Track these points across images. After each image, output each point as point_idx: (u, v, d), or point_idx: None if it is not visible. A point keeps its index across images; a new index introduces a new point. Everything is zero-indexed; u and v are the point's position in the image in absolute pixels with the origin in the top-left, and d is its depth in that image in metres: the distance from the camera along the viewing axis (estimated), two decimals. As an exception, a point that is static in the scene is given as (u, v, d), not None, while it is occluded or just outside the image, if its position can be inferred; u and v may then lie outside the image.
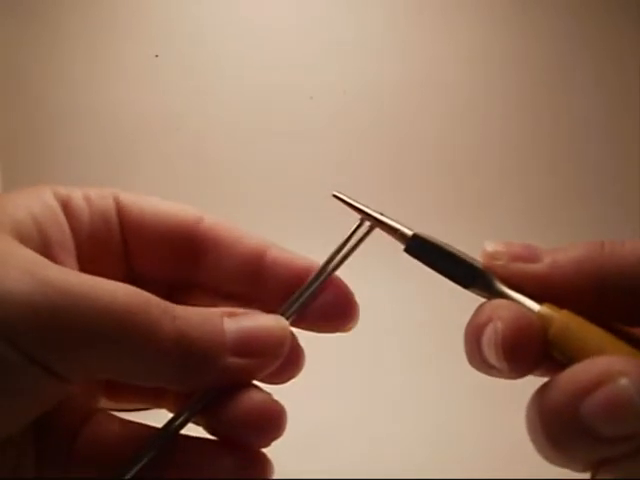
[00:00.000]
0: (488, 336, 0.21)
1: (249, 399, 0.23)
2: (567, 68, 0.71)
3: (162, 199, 0.27)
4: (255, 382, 0.24)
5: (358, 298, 0.27)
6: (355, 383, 0.60)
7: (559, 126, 0.72)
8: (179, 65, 0.71)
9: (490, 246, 0.23)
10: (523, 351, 0.21)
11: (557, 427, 0.19)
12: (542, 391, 0.20)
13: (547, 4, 0.70)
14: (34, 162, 0.72)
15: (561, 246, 0.23)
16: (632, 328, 0.22)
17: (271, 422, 0.23)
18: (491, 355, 0.21)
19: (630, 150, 0.71)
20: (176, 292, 0.27)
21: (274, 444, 0.23)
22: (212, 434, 0.23)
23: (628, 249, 0.21)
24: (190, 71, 0.71)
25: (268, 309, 0.26)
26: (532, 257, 0.22)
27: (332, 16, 0.71)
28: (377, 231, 0.26)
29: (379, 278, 0.25)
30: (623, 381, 0.18)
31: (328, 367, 0.61)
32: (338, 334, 0.27)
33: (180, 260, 0.27)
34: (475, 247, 0.25)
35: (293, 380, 0.27)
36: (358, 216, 0.26)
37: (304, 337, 0.27)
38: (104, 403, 0.27)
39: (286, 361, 0.24)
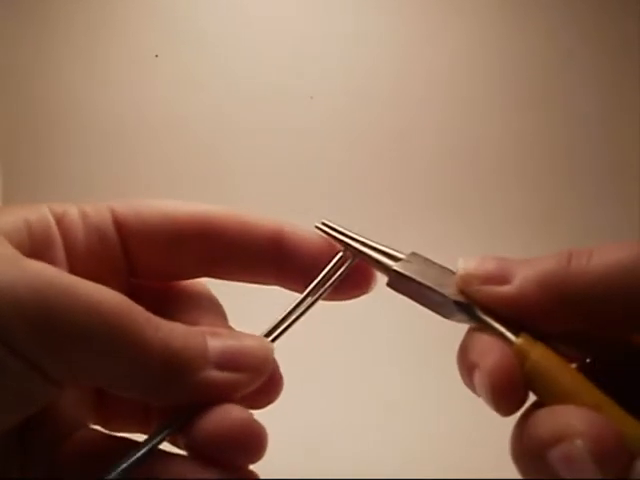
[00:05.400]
0: (478, 385, 0.22)
1: (227, 417, 0.22)
2: (565, 65, 0.71)
3: (160, 199, 0.27)
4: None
5: (356, 304, 0.27)
6: (354, 384, 0.60)
7: (558, 125, 0.72)
8: (179, 65, 0.71)
9: (462, 267, 0.24)
10: (511, 400, 0.22)
11: (530, 468, 0.21)
12: (517, 430, 0.22)
13: (546, 2, 0.70)
14: (34, 162, 0.72)
15: (531, 259, 0.23)
16: (601, 338, 0.23)
17: (250, 443, 0.22)
18: (483, 399, 0.22)
19: (629, 148, 0.71)
20: (177, 300, 0.27)
21: (276, 445, 0.23)
22: (189, 453, 0.23)
23: (593, 264, 0.22)
24: (190, 71, 0.71)
25: (291, 287, 0.27)
26: (503, 278, 0.23)
27: (332, 15, 0.71)
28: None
29: (379, 276, 0.25)
30: (578, 442, 0.19)
31: (328, 369, 0.61)
32: (341, 334, 0.27)
33: (193, 258, 0.26)
34: (474, 247, 0.25)
35: (294, 382, 0.26)
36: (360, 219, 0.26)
37: (305, 338, 0.27)
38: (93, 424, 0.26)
39: (265, 386, 0.24)
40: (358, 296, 0.27)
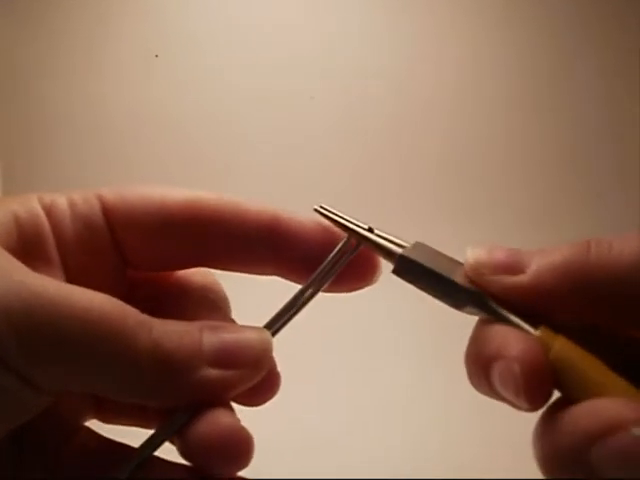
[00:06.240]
0: (503, 376, 0.20)
1: (215, 423, 0.21)
2: (571, 65, 0.71)
3: (149, 185, 0.25)
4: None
5: (359, 300, 0.26)
6: (355, 384, 0.60)
7: (563, 125, 0.72)
8: (179, 65, 0.71)
9: (471, 255, 0.22)
10: (542, 390, 0.20)
11: (562, 467, 0.19)
12: (547, 429, 0.20)
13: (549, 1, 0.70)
14: (35, 162, 0.72)
15: (546, 249, 0.22)
16: (623, 333, 0.22)
17: (235, 451, 0.21)
18: (509, 394, 0.20)
19: (633, 147, 0.71)
20: (175, 290, 0.26)
21: (276, 444, 0.23)
22: (182, 456, 0.22)
23: (616, 252, 0.20)
24: (190, 71, 0.71)
25: (292, 277, 0.25)
26: (515, 267, 0.21)
27: (332, 15, 0.71)
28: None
29: (382, 276, 0.25)
30: (636, 431, 0.18)
31: (329, 367, 0.61)
32: (343, 334, 0.27)
33: (184, 246, 0.25)
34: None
35: (295, 381, 0.26)
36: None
37: (308, 338, 0.26)
38: (92, 421, 0.26)
39: (262, 383, 0.23)
40: (361, 287, 0.26)
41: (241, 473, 0.23)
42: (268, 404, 0.25)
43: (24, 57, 0.70)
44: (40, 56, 0.70)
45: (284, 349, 0.25)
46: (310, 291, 0.25)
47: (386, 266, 0.25)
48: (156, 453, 0.23)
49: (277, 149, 0.72)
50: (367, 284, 0.26)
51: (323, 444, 0.53)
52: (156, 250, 0.25)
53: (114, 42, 0.70)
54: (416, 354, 0.63)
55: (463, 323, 0.23)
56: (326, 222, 0.25)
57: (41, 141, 0.72)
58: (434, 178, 0.72)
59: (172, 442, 0.23)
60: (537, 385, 0.20)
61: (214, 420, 0.21)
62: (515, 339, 0.21)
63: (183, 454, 0.22)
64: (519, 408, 0.21)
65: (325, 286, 0.25)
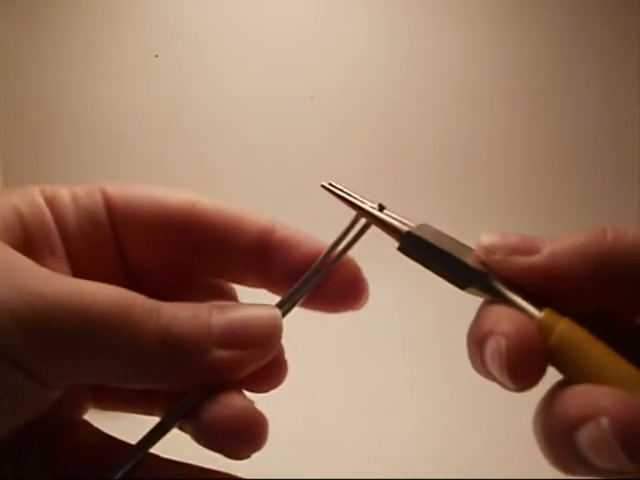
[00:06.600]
0: (491, 352, 0.20)
1: (229, 405, 0.21)
2: (571, 66, 0.71)
3: (151, 185, 0.26)
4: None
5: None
6: (359, 383, 0.60)
7: (563, 124, 0.72)
8: (179, 65, 0.71)
9: (486, 239, 0.22)
10: (527, 369, 0.20)
11: (556, 450, 0.20)
12: (543, 410, 0.20)
13: (550, 1, 0.70)
14: (34, 162, 0.72)
15: (559, 236, 0.21)
16: (635, 319, 0.22)
17: (250, 433, 0.21)
18: (495, 371, 0.20)
19: (633, 148, 0.71)
20: (180, 281, 0.27)
21: (275, 444, 0.23)
22: (195, 440, 0.22)
23: (631, 236, 0.20)
24: (190, 71, 0.71)
25: (276, 291, 0.25)
26: (530, 249, 0.21)
27: (332, 16, 0.71)
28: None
29: (381, 275, 0.25)
30: (603, 421, 0.18)
31: (332, 366, 0.61)
32: (343, 332, 0.27)
33: (179, 248, 0.25)
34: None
35: (296, 380, 0.26)
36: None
37: (310, 336, 0.26)
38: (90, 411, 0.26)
39: (269, 369, 0.23)
40: (345, 310, 0.25)
41: (240, 473, 0.23)
42: (266, 403, 0.25)
43: (25, 56, 0.70)
44: (41, 55, 0.70)
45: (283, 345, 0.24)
46: (318, 274, 0.24)
47: (391, 263, 0.25)
48: (157, 452, 0.23)
49: (277, 149, 0.72)
50: (351, 306, 0.25)
51: (323, 443, 0.53)
52: (154, 249, 0.26)
53: (114, 43, 0.70)
54: (418, 352, 0.63)
55: (467, 319, 0.22)
56: (319, 243, 0.25)
57: (41, 141, 0.72)
58: (433, 178, 0.72)
59: (181, 428, 0.23)
60: (523, 364, 0.20)
61: (228, 402, 0.21)
62: (509, 317, 0.21)
63: (196, 437, 0.22)
64: (506, 388, 0.21)
65: (335, 264, 0.24)
